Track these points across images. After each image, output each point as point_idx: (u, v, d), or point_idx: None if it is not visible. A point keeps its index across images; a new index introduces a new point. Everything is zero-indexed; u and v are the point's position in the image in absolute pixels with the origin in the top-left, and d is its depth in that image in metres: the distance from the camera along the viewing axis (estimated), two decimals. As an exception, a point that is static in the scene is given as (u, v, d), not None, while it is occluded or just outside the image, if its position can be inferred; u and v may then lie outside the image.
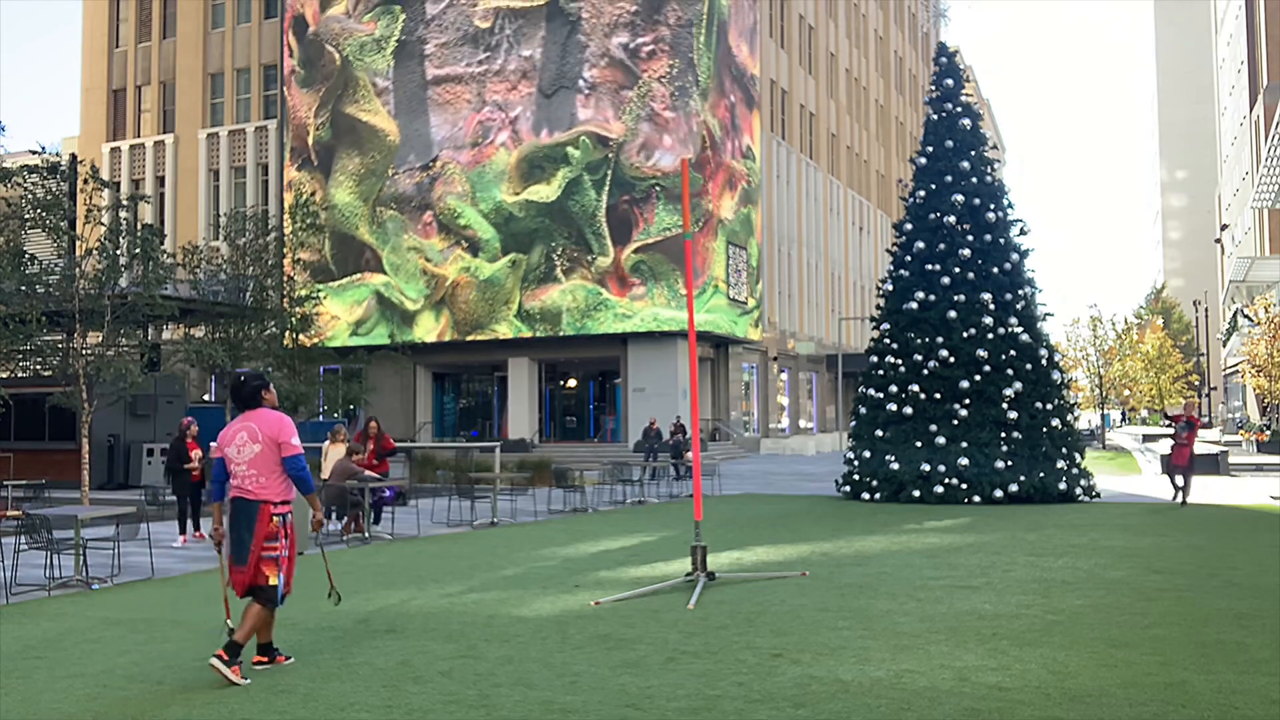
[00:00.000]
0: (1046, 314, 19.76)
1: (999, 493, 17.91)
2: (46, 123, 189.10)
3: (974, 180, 19.93)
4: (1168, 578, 9.83)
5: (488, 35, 38.94)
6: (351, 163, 40.84)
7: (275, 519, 6.44)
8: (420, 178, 39.61)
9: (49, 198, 19.21)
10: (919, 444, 18.70)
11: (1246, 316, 43.50)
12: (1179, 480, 17.61)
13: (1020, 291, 19.32)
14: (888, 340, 19.76)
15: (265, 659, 6.76)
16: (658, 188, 35.79)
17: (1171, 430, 17.95)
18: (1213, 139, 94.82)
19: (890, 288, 20.10)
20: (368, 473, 14.65)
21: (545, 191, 37.37)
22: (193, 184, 46.50)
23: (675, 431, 29.50)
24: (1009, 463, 18.20)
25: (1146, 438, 51.05)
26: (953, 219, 19.65)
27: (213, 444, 7.32)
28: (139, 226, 22.74)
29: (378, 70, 40.71)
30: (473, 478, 19.16)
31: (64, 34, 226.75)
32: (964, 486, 18.08)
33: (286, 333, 27.43)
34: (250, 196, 44.26)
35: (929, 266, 19.58)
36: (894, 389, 19.22)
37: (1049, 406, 18.77)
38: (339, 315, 39.77)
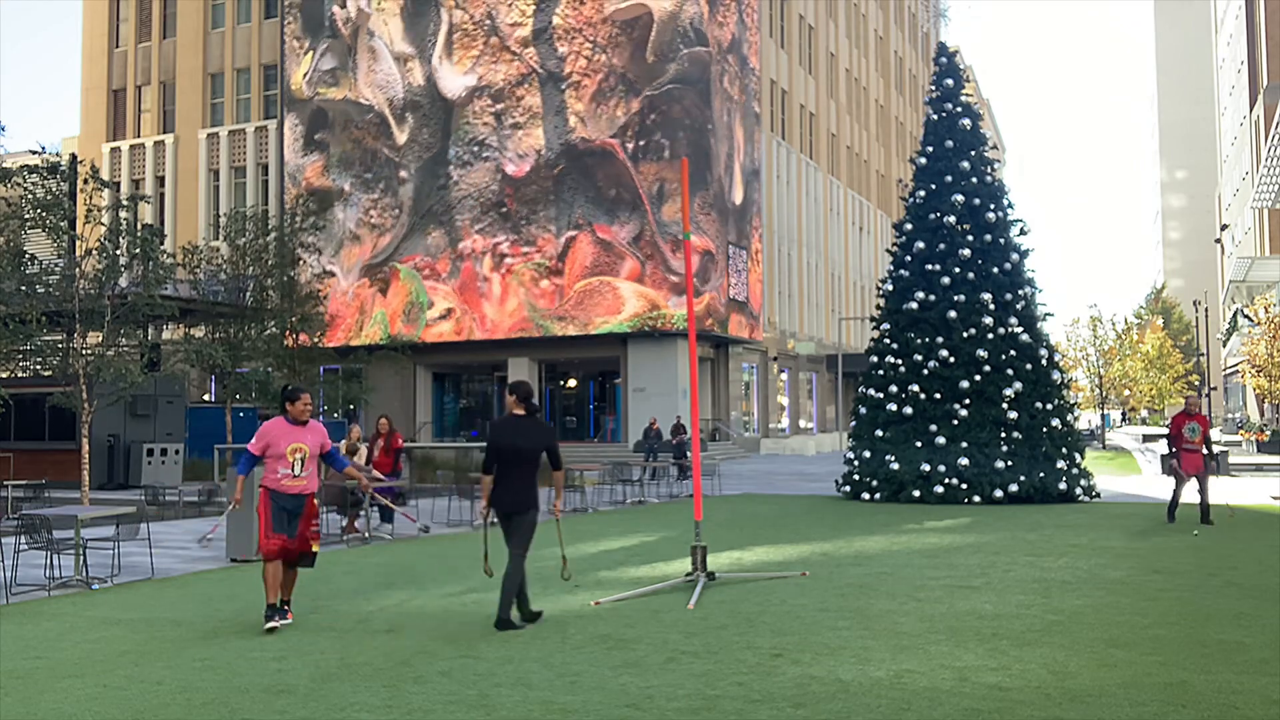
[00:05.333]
0: (1046, 314, 19.75)
1: (999, 493, 17.90)
2: (46, 123, 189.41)
3: (974, 180, 19.92)
4: (1168, 578, 9.82)
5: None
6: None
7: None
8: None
9: (49, 198, 19.18)
10: (919, 444, 18.69)
11: (1246, 316, 43.50)
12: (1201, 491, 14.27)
13: (1020, 291, 19.32)
14: (888, 340, 19.76)
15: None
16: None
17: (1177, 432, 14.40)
18: (1213, 139, 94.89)
19: (890, 288, 20.09)
20: (374, 471, 14.64)
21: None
22: (193, 184, 46.50)
23: (676, 430, 29.51)
24: (1009, 463, 18.19)
25: (1146, 438, 51.03)
26: (953, 219, 19.65)
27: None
28: (139, 226, 22.68)
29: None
30: (473, 478, 19.13)
31: (64, 34, 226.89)
32: (964, 486, 18.07)
33: (286, 332, 27.41)
34: (250, 196, 44.24)
35: (929, 266, 19.58)
36: (894, 389, 19.22)
37: (1049, 406, 18.76)
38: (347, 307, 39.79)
